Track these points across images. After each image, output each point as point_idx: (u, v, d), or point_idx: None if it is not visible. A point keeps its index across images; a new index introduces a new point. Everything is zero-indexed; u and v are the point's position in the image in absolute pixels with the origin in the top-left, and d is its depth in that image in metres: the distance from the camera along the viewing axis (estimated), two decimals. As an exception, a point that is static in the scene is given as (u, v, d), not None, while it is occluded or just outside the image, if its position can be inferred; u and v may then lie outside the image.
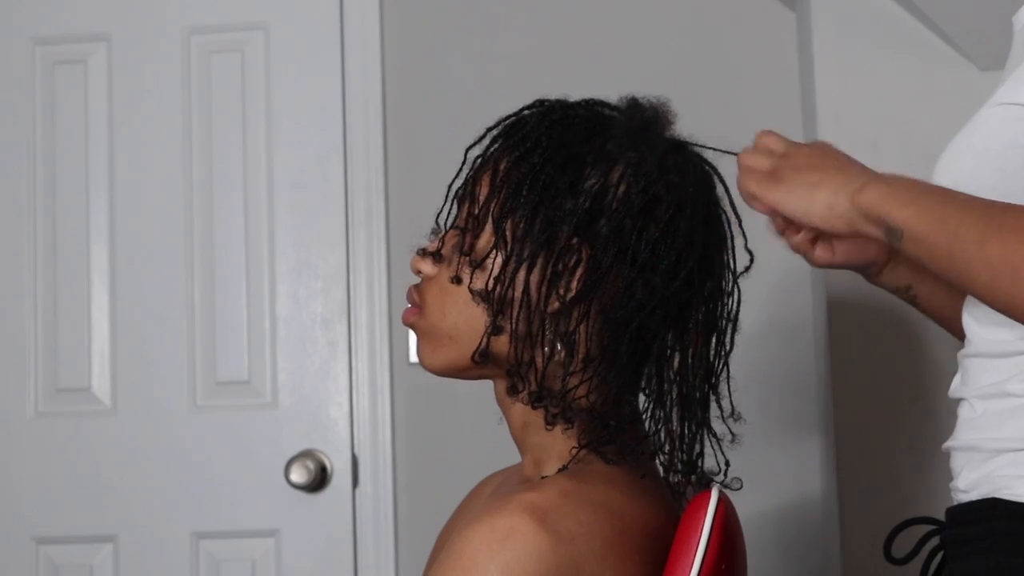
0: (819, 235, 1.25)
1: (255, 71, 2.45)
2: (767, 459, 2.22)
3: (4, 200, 2.46)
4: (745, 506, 1.25)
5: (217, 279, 2.42)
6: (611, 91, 1.21)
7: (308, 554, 2.36)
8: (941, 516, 1.18)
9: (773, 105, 2.30)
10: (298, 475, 2.32)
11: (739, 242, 1.19)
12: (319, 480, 2.35)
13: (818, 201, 1.11)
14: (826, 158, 1.15)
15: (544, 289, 1.10)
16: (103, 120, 2.46)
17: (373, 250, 2.39)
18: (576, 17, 2.40)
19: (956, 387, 1.18)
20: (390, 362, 2.37)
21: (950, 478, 1.16)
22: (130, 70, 2.46)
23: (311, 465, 2.33)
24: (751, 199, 1.18)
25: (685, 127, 1.19)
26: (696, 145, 1.18)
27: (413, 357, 2.35)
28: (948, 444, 1.17)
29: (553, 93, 1.19)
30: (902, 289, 1.36)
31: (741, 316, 1.19)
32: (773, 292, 2.22)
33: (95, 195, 2.45)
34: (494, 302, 1.11)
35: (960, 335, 1.22)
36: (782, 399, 2.25)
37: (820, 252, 1.28)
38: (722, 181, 1.18)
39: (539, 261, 1.10)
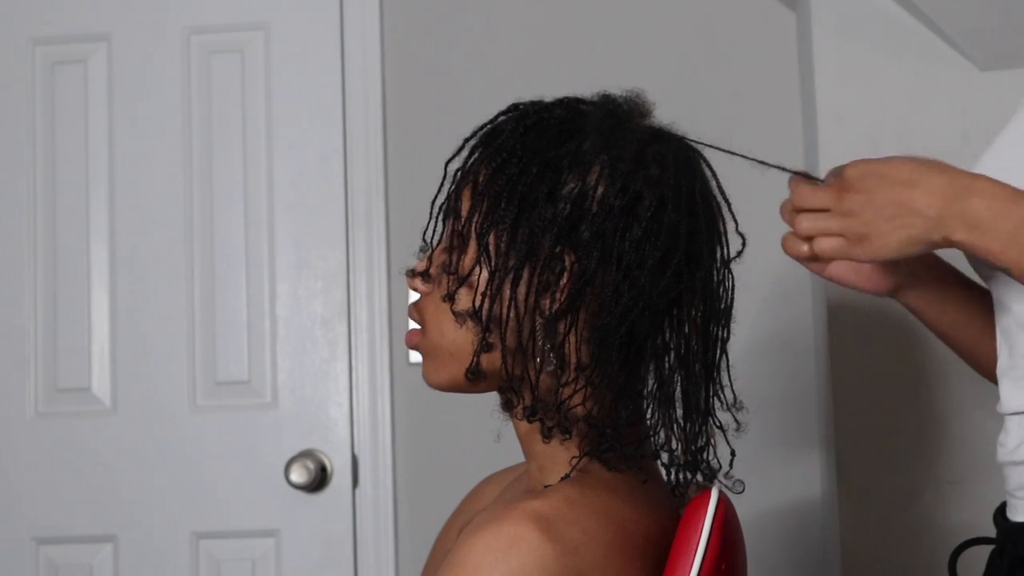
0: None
1: (255, 71, 2.45)
2: (768, 461, 2.22)
3: (4, 200, 2.46)
4: (746, 508, 1.25)
5: (217, 279, 2.42)
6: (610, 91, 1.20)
7: (308, 554, 2.36)
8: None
9: (773, 105, 2.30)
10: (298, 475, 2.32)
11: (730, 226, 1.16)
12: (319, 480, 2.35)
13: (916, 246, 1.08)
14: (884, 196, 1.08)
15: (531, 301, 1.08)
16: (103, 120, 2.46)
17: (373, 250, 2.39)
18: (576, 17, 2.40)
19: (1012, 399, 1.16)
20: (390, 362, 2.37)
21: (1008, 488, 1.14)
22: (130, 70, 2.46)
23: (311, 465, 2.33)
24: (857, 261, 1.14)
25: (685, 128, 1.17)
26: (676, 135, 1.15)
27: (413, 357, 2.35)
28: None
29: (553, 93, 1.18)
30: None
31: (741, 321, 1.17)
32: (773, 297, 2.22)
33: (95, 195, 2.45)
34: (482, 319, 1.10)
35: (973, 351, 1.21)
36: (783, 401, 2.25)
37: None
38: (708, 165, 1.15)
39: (524, 273, 1.08)
